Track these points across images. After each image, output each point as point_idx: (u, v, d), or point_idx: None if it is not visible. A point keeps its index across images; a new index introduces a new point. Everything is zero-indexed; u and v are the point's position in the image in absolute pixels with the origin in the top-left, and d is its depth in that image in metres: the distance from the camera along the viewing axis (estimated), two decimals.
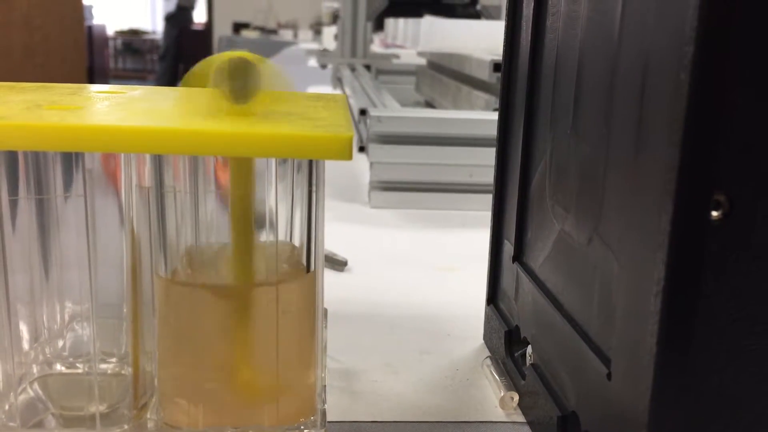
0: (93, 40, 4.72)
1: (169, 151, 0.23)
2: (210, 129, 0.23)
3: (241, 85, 0.25)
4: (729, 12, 0.19)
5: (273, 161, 0.27)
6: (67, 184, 0.28)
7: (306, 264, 0.27)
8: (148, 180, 0.26)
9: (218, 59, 0.25)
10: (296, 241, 0.28)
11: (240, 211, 0.25)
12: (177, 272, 0.27)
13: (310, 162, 0.26)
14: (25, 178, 0.27)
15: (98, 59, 4.98)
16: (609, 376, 0.24)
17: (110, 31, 6.18)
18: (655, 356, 0.21)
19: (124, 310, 0.28)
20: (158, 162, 0.26)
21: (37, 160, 0.27)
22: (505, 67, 0.37)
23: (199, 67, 0.27)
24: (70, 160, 0.27)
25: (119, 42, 6.52)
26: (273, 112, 0.26)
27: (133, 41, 6.61)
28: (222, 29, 5.24)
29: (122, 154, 0.26)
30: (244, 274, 0.26)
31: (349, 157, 0.23)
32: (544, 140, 0.32)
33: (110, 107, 0.26)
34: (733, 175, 0.20)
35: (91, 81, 4.01)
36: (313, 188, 0.26)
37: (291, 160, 0.27)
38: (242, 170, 0.25)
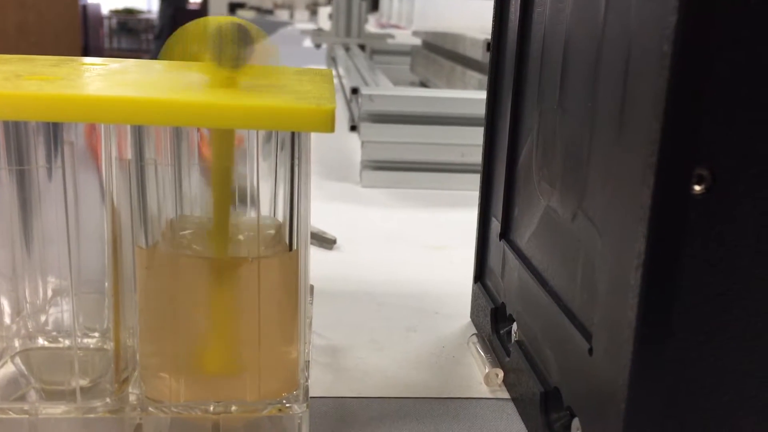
0: (88, 19, 4.68)
1: (147, 122, 0.23)
2: (190, 99, 0.23)
3: (236, 49, 0.25)
4: None
5: (256, 137, 0.27)
6: (49, 158, 0.28)
7: (288, 240, 0.27)
8: (128, 152, 0.26)
9: (208, 23, 0.25)
10: (280, 217, 0.28)
11: (219, 183, 0.25)
12: (158, 244, 0.27)
13: (293, 135, 0.26)
14: (5, 149, 0.27)
15: (93, 38, 4.94)
16: (590, 351, 0.24)
17: (105, 11, 6.14)
18: (635, 331, 0.20)
19: (106, 284, 0.28)
20: (138, 134, 0.25)
21: (18, 131, 0.27)
22: (494, 44, 0.36)
23: (180, 32, 0.26)
24: (52, 134, 0.27)
25: (114, 21, 6.47)
26: (256, 84, 0.26)
27: (128, 20, 6.56)
28: (217, 9, 5.20)
29: (102, 126, 0.26)
30: (221, 246, 0.26)
31: (331, 129, 0.23)
32: (532, 117, 0.32)
33: (90, 78, 0.26)
34: (716, 149, 0.20)
35: None
36: (296, 162, 0.26)
37: (275, 137, 0.27)
38: (223, 141, 0.25)
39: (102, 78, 0.26)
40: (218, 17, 0.25)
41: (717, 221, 0.20)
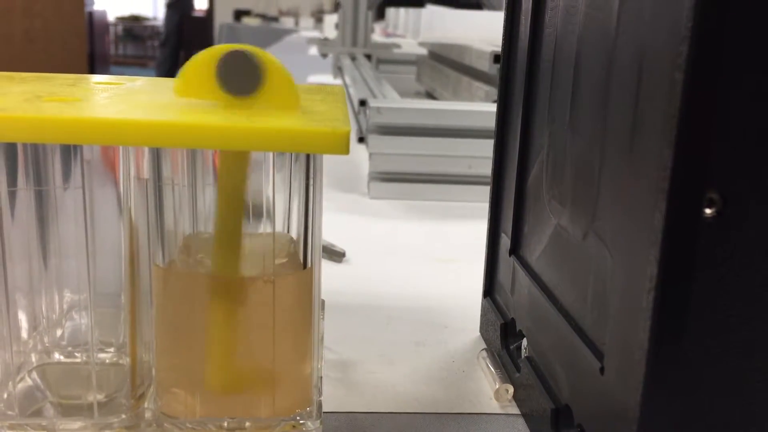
0: (94, 26, 4.70)
1: (166, 145, 0.23)
2: (207, 123, 0.23)
3: (241, 79, 0.25)
4: (723, 11, 0.19)
5: (272, 156, 0.27)
6: (66, 175, 0.28)
7: (303, 258, 0.27)
8: (146, 172, 0.26)
9: (219, 50, 0.26)
10: (294, 234, 0.28)
11: (229, 202, 0.26)
12: (174, 262, 0.27)
13: (308, 155, 0.27)
14: (24, 169, 0.27)
15: (99, 45, 4.96)
16: (602, 370, 0.24)
17: (111, 17, 6.17)
18: (647, 352, 0.21)
19: (122, 299, 0.28)
20: (156, 154, 0.26)
21: (36, 151, 0.27)
22: (504, 60, 0.37)
23: (199, 57, 0.27)
24: (69, 152, 0.28)
25: (120, 28, 6.51)
26: (270, 105, 0.26)
27: (133, 27, 6.59)
28: (223, 16, 5.22)
29: (121, 147, 0.26)
30: (230, 265, 0.26)
31: (346, 151, 0.24)
32: (542, 134, 0.32)
33: (109, 99, 0.26)
34: (726, 173, 0.20)
35: (92, 67, 4.00)
36: (311, 181, 0.27)
37: (289, 154, 0.27)
38: (236, 163, 0.25)
39: (119, 99, 0.26)
40: (229, 45, 0.26)
41: (727, 244, 0.21)
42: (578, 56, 0.28)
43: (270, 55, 0.25)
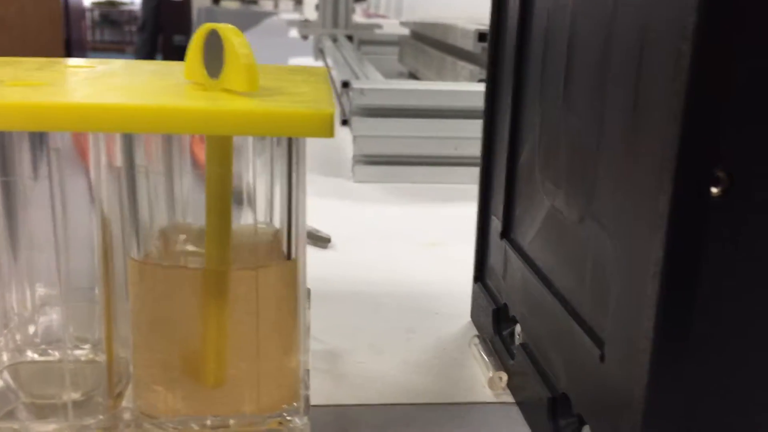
0: (69, 11, 4.62)
1: (140, 130, 0.22)
2: (184, 106, 0.22)
3: (214, 57, 0.24)
4: None
5: (250, 138, 0.26)
6: (35, 164, 0.27)
7: (287, 248, 0.26)
8: (118, 159, 0.25)
9: (204, 29, 0.24)
10: (277, 223, 0.27)
11: (217, 190, 0.24)
12: (151, 254, 0.26)
13: (290, 139, 0.25)
14: None
15: (75, 31, 4.88)
16: (602, 357, 0.23)
17: (87, 3, 6.07)
18: (653, 340, 0.20)
19: (97, 294, 0.27)
20: (129, 141, 0.24)
21: (2, 139, 0.26)
22: (492, 36, 0.35)
23: (194, 36, 0.25)
24: (37, 140, 0.26)
25: (96, 13, 6.41)
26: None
27: (110, 13, 6.49)
28: (201, 0, 5.15)
29: (91, 133, 0.25)
30: (220, 257, 0.25)
31: (331, 134, 0.22)
32: (534, 113, 0.31)
33: (78, 83, 0.25)
34: (733, 150, 0.19)
35: (69, 53, 3.95)
36: (293, 167, 0.25)
37: (270, 138, 0.26)
38: (219, 148, 0.24)
39: (90, 83, 0.25)
40: (208, 24, 0.24)
41: (734, 225, 0.20)
42: (573, 30, 0.26)
43: (232, 33, 0.23)
